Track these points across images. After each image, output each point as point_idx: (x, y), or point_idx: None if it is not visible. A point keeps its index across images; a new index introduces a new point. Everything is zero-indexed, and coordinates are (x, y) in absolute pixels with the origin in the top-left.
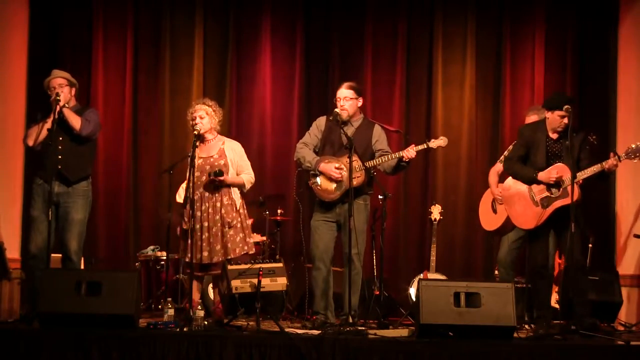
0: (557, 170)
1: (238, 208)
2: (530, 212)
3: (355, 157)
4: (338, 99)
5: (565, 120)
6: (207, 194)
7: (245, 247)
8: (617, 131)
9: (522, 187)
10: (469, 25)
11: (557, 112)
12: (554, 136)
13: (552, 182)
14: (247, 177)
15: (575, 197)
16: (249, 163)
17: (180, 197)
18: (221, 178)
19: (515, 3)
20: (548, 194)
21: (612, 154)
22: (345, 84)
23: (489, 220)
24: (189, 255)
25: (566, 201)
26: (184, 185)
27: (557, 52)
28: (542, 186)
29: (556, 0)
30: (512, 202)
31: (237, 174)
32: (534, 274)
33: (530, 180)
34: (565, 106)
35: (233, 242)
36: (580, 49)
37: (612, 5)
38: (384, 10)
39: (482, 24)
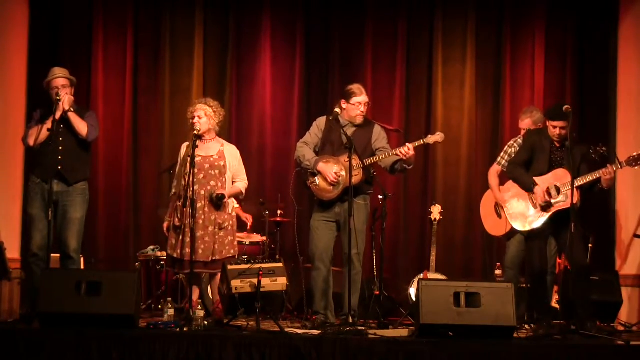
0: (557, 182)
1: (230, 211)
2: (528, 214)
3: (355, 156)
4: (359, 104)
5: (557, 131)
6: (202, 192)
7: (232, 251)
8: (617, 131)
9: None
10: (469, 25)
11: (551, 123)
12: (558, 144)
13: (542, 204)
14: (242, 184)
15: (575, 201)
16: (244, 169)
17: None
18: (225, 200)
19: (515, 3)
20: (547, 198)
21: (609, 165)
22: (363, 89)
23: (494, 225)
24: (177, 251)
25: (565, 205)
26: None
27: (557, 52)
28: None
29: (556, 0)
30: (512, 203)
31: (233, 178)
32: (532, 276)
33: (528, 190)
34: (565, 106)
35: (221, 244)
36: (580, 49)
37: (612, 5)
38: (384, 10)
39: (482, 24)
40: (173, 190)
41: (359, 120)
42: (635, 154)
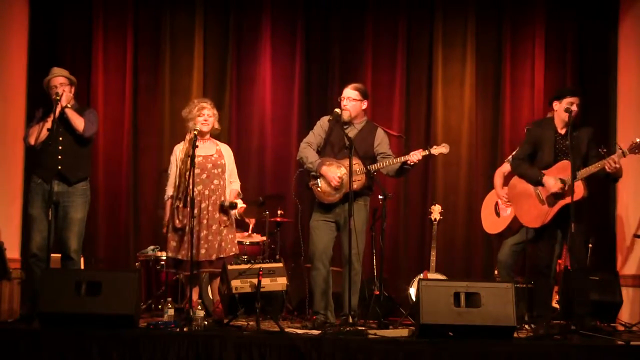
0: (562, 175)
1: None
2: (536, 210)
3: (357, 161)
4: (342, 98)
5: (574, 108)
6: (206, 191)
7: (234, 249)
8: (617, 131)
9: (529, 185)
10: (469, 25)
11: (566, 100)
12: (562, 131)
13: (556, 191)
14: (237, 185)
15: (581, 194)
16: (236, 168)
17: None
18: (237, 209)
19: (515, 3)
20: (553, 192)
21: (612, 156)
22: (352, 85)
23: (492, 224)
24: (182, 252)
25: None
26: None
27: (557, 52)
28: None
29: (556, 0)
30: (519, 200)
31: (229, 178)
32: (537, 273)
33: (536, 183)
34: (566, 107)
35: (226, 242)
36: (580, 49)
37: (612, 5)
38: (384, 10)
39: (482, 24)
40: (170, 193)
41: (344, 115)
42: (637, 139)
